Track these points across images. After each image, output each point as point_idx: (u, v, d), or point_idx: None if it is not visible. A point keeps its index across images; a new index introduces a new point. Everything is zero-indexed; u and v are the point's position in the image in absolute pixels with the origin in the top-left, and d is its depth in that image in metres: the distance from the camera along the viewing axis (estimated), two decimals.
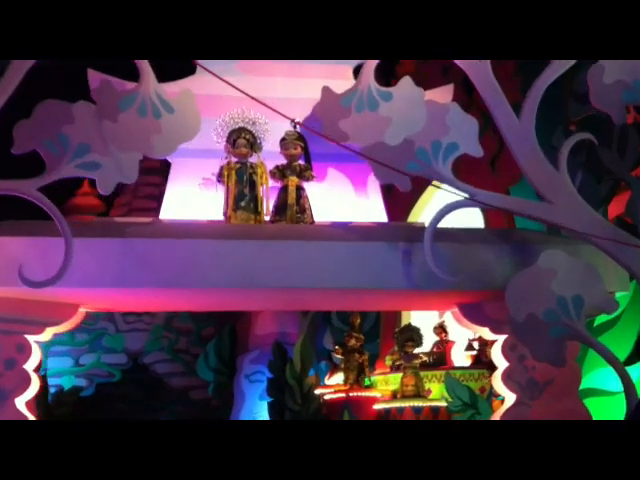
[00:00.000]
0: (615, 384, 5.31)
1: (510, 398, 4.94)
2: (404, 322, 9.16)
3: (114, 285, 4.48)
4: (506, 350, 4.95)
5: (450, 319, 9.51)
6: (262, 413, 10.33)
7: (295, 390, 9.60)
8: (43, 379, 9.75)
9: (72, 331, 11.32)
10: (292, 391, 9.61)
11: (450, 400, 7.31)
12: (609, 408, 5.30)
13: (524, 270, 4.45)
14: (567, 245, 4.62)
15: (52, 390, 10.27)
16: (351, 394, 8.50)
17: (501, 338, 5.03)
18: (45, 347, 11.10)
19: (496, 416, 5.03)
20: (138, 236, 4.55)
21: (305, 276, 4.61)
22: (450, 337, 8.99)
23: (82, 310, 4.82)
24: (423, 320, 9.17)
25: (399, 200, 9.33)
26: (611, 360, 4.32)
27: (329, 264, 4.64)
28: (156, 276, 4.47)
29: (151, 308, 6.46)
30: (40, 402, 9.26)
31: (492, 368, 8.07)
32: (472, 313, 5.07)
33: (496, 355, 5.08)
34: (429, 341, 8.93)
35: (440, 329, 8.98)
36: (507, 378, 4.92)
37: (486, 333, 5.22)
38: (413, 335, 8.35)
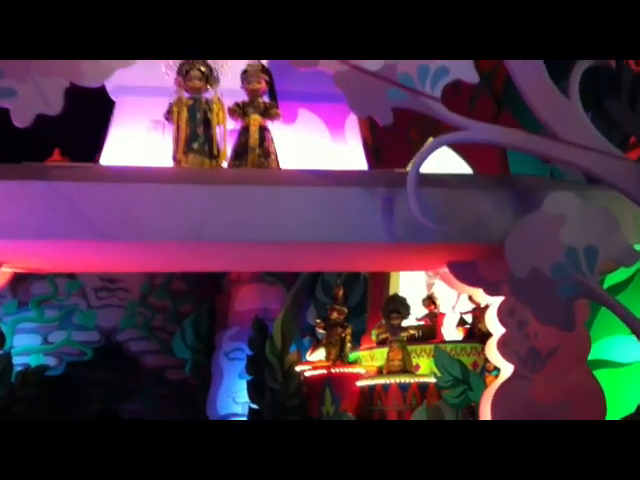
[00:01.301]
0: (625, 354, 4.60)
1: (507, 370, 4.20)
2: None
3: (39, 237, 3.70)
4: (503, 315, 4.19)
5: (440, 288, 8.88)
6: (241, 392, 9.62)
7: (275, 368, 8.87)
8: (7, 358, 8.99)
9: (41, 307, 10.62)
10: (272, 369, 8.88)
11: (439, 375, 6.59)
12: (618, 382, 4.57)
13: (527, 217, 3.69)
14: (577, 190, 3.86)
15: (17, 369, 9.50)
16: (333, 370, 7.76)
17: (497, 301, 4.28)
18: (11, 324, 10.36)
19: (490, 391, 4.28)
20: (69, 180, 3.77)
21: (268, 228, 3.85)
22: (440, 309, 8.30)
23: (5, 270, 4.03)
24: (413, 292, 8.47)
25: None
26: (632, 323, 3.58)
27: (296, 214, 3.88)
28: (90, 227, 3.70)
29: (88, 268, 5.66)
30: (3, 382, 8.52)
31: (486, 342, 7.40)
32: (464, 273, 4.31)
33: (491, 321, 4.33)
34: (418, 314, 8.24)
35: (429, 301, 8.28)
36: (504, 347, 4.16)
37: (480, 295, 4.47)
38: (399, 306, 7.62)
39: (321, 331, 8.37)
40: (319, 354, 8.43)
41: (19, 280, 10.42)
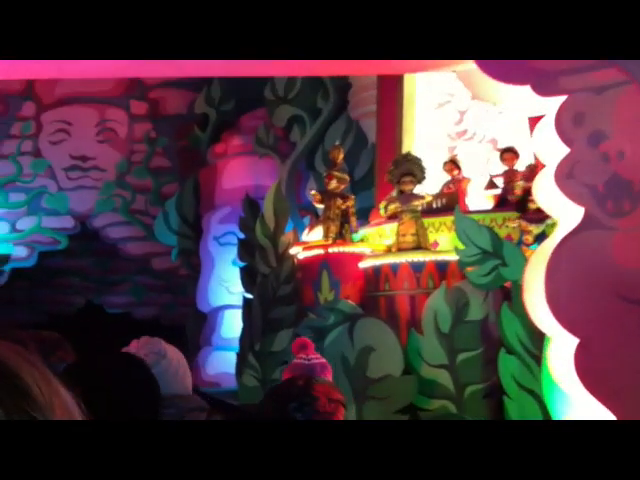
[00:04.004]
0: None
1: (571, 219, 2.47)
2: None
3: None
4: (565, 124, 2.41)
5: (465, 150, 7.06)
6: (234, 281, 8.11)
7: (268, 250, 7.27)
8: None
9: (5, 191, 9.07)
10: (264, 252, 7.29)
11: (462, 248, 4.90)
12: None
13: None
14: None
15: None
16: (330, 250, 6.12)
17: (554, 105, 2.50)
18: None
19: (541, 254, 2.58)
20: None
21: None
22: (465, 175, 6.52)
23: None
24: (430, 159, 6.68)
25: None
26: None
27: None
28: None
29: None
30: None
31: (522, 208, 5.63)
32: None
33: (544, 137, 2.56)
34: (437, 185, 6.50)
35: (451, 164, 6.48)
36: (566, 178, 2.41)
37: (524, 99, 2.67)
38: (412, 167, 5.85)
39: (319, 205, 6.70)
40: (318, 233, 6.79)
41: None
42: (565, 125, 2.39)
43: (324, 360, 2.87)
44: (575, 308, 2.32)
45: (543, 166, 3.08)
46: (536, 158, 6.05)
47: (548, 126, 2.47)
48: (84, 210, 8.91)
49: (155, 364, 2.10)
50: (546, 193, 2.52)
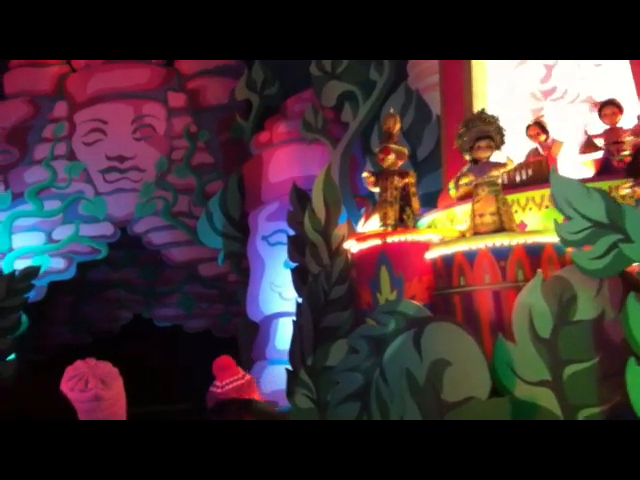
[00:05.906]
0: None
1: None
2: None
3: None
4: None
5: (553, 109, 5.65)
6: (287, 285, 6.96)
7: (319, 247, 6.08)
8: None
9: (40, 198, 8.27)
10: (315, 249, 6.10)
11: (563, 223, 3.53)
12: None
13: None
14: None
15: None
16: (390, 240, 4.86)
17: None
18: (7, 221, 8.10)
19: None
20: None
21: None
22: (554, 138, 5.13)
23: None
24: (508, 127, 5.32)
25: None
26: None
27: None
28: None
29: None
30: None
31: (636, 171, 4.22)
32: None
33: None
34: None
35: (536, 127, 5.09)
36: None
37: None
38: (488, 129, 4.51)
39: (374, 189, 5.46)
40: (375, 222, 5.54)
41: (9, 167, 8.08)
42: None
43: (248, 377, 2.69)
44: None
45: None
46: None
47: None
48: (123, 215, 7.99)
49: (117, 385, 2.31)
50: None
